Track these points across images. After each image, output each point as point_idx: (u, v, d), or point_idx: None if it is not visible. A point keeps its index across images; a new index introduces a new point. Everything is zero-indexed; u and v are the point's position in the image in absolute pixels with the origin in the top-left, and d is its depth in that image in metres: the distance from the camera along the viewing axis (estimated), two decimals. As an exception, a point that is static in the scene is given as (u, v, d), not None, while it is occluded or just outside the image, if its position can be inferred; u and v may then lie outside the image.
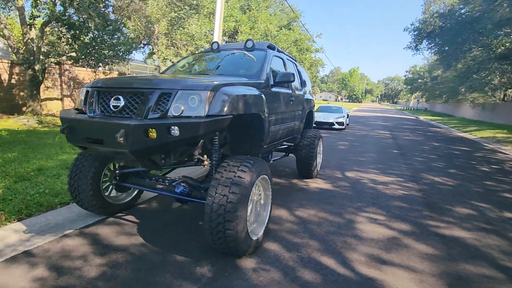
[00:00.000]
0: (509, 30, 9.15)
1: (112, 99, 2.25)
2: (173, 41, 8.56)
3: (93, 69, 9.99)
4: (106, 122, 2.09)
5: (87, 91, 2.47)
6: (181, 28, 8.33)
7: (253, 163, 2.39)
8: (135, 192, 3.39)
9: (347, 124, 15.14)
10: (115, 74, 11.94)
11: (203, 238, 2.74)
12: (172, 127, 1.98)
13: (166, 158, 2.37)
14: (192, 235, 2.81)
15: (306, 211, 3.53)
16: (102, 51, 5.65)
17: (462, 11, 13.51)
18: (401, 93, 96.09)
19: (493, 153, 9.31)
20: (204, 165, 2.69)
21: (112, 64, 7.48)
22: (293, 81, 3.23)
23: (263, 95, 2.84)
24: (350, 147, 8.77)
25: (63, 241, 2.59)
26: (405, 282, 2.22)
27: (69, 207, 3.25)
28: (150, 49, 13.81)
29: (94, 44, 5.55)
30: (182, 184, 2.73)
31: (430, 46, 15.34)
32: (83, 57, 5.93)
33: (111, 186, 3.10)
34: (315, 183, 4.72)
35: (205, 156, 2.69)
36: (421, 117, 29.44)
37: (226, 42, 12.03)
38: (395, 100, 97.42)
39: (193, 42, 8.86)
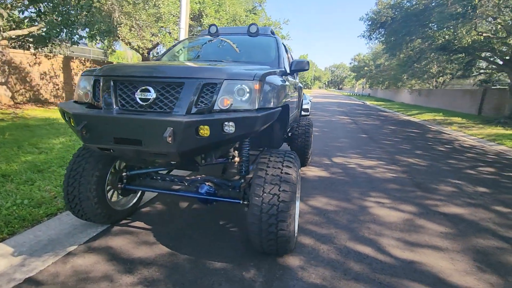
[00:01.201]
0: (453, 22, 10.26)
1: (139, 90, 1.88)
2: (137, 22, 7.58)
3: (34, 52, 8.46)
4: (149, 119, 1.73)
5: (96, 80, 2.04)
6: (146, 8, 7.45)
7: (294, 157, 2.27)
8: (138, 194, 3.00)
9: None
10: (60, 58, 10.33)
11: (231, 240, 2.56)
12: (226, 123, 1.74)
13: (207, 158, 2.11)
14: (217, 237, 2.60)
15: (318, 200, 3.54)
16: (75, 30, 4.68)
17: (408, 4, 14.71)
18: (346, 80, 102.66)
19: (440, 134, 10.54)
20: (235, 162, 2.47)
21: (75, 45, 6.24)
22: (308, 69, 3.12)
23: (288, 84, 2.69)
24: (322, 133, 9.08)
25: (71, 261, 2.18)
26: (440, 261, 2.37)
27: (58, 218, 2.75)
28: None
29: (68, 20, 4.49)
30: (207, 183, 2.48)
31: (382, 35, 16.45)
32: (50, 37, 4.79)
33: (112, 191, 2.68)
34: (311, 171, 4.77)
35: (236, 152, 2.47)
36: (368, 102, 31.92)
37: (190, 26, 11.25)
38: (340, 86, 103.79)
39: (157, 24, 8.01)
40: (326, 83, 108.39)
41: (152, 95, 1.85)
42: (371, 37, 16.45)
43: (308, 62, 3.10)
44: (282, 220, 2.00)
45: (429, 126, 12.86)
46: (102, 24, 5.19)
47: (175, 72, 1.92)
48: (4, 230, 2.40)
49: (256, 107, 1.88)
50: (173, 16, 8.29)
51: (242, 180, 2.49)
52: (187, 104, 1.80)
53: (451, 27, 11.11)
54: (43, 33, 4.49)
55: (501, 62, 13.62)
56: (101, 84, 1.98)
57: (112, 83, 1.94)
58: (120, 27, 7.14)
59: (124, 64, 2.25)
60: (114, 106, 1.89)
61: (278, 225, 2.01)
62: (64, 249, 2.32)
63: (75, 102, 2.18)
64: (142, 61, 13.65)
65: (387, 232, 2.83)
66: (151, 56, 13.93)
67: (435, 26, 12.72)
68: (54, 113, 8.25)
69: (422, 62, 17.34)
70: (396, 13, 13.95)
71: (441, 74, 19.96)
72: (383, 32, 16.73)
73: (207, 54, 3.23)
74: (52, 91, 10.23)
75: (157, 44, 10.14)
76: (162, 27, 8.29)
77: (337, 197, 3.66)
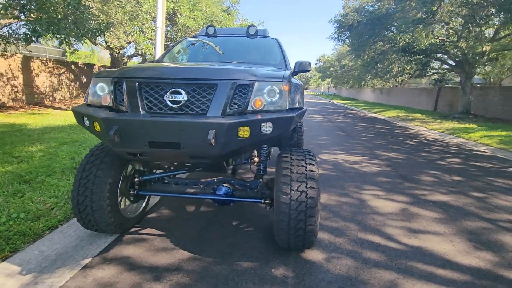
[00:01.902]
0: (415, 27, 11.16)
1: (169, 92, 1.84)
2: (111, 20, 7.09)
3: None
4: (190, 121, 1.69)
5: (116, 83, 1.95)
6: (123, 6, 7.02)
7: (313, 155, 2.36)
8: (145, 200, 2.89)
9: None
10: (19, 58, 9.42)
11: (249, 239, 2.59)
12: (264, 123, 1.77)
13: (237, 159, 2.11)
14: (235, 238, 2.60)
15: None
16: (65, 28, 4.20)
17: (371, 8, 15.68)
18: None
19: (406, 129, 11.40)
20: (254, 162, 2.49)
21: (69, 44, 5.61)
22: (310, 70, 3.24)
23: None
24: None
25: (91, 274, 2.05)
26: (443, 245, 2.62)
27: (61, 231, 2.56)
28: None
29: (54, 18, 3.96)
30: (224, 185, 2.48)
31: (348, 37, 17.31)
32: (38, 35, 4.20)
33: (123, 198, 2.56)
34: (303, 169, 4.91)
35: (255, 152, 2.50)
36: (334, 101, 33.39)
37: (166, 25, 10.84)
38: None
39: (131, 23, 7.62)
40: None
41: (183, 97, 1.82)
42: (340, 39, 17.25)
43: (310, 63, 3.22)
44: (311, 216, 2.08)
45: (394, 123, 13.83)
46: (93, 22, 4.82)
47: (208, 73, 1.91)
48: (5, 248, 2.19)
49: (287, 107, 1.93)
50: (149, 14, 7.97)
51: (261, 180, 2.53)
52: (221, 105, 1.80)
53: (411, 31, 12.05)
54: (29, 31, 4.02)
55: (453, 63, 15.07)
56: (125, 86, 1.89)
57: (137, 85, 1.87)
58: (112, 26, 6.69)
59: (148, 66, 2.17)
60: (141, 110, 1.83)
61: (306, 221, 2.08)
62: (77, 263, 2.17)
63: (89, 105, 2.06)
64: (112, 62, 12.94)
65: (390, 221, 3.04)
66: (125, 58, 13.26)
67: (396, 29, 13.70)
68: (18, 118, 7.52)
69: (385, 63, 18.54)
70: (362, 16, 14.78)
71: (400, 74, 21.51)
72: (348, 34, 17.64)
73: (211, 55, 3.20)
74: (10, 94, 9.29)
75: (128, 43, 9.69)
76: (136, 26, 7.93)
77: (336, 192, 3.83)
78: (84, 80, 12.95)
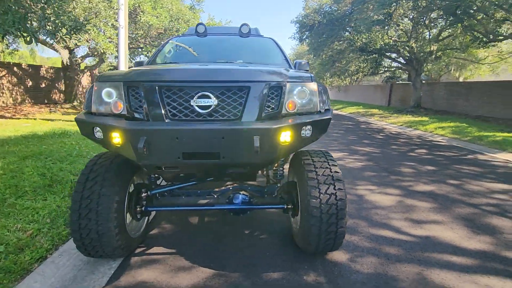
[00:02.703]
0: (375, 28, 11.93)
1: (196, 97, 1.65)
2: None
3: None
4: (232, 128, 1.53)
5: (129, 88, 1.70)
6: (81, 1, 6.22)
7: (331, 156, 2.34)
8: (147, 217, 2.61)
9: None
10: None
11: (267, 248, 2.49)
12: (305, 127, 1.68)
13: (270, 166, 1.98)
14: (252, 248, 2.48)
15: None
16: (29, 24, 3.42)
17: (329, 9, 16.41)
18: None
19: (369, 124, 12.14)
20: (274, 167, 2.39)
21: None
22: (308, 70, 3.22)
23: None
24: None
25: (107, 309, 1.78)
26: (446, 232, 2.79)
27: (52, 262, 2.19)
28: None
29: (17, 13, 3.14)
30: (241, 192, 2.35)
31: (308, 37, 17.91)
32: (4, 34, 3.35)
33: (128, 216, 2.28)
34: (293, 168, 4.92)
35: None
36: (296, 99, 34.38)
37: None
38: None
39: (95, 20, 6.82)
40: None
41: (213, 101, 1.65)
42: (301, 38, 17.76)
43: (308, 63, 3.20)
44: (342, 218, 2.05)
45: (357, 118, 14.66)
46: (66, 18, 4.17)
47: (240, 75, 1.75)
48: (-11, 291, 1.79)
49: (318, 109, 1.87)
50: (112, 11, 7.27)
51: (278, 185, 2.44)
52: (256, 109, 1.67)
53: (370, 31, 12.85)
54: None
55: (404, 61, 16.45)
56: (142, 91, 1.66)
57: (157, 89, 1.65)
58: (88, 23, 5.89)
59: (168, 68, 1.93)
60: (165, 117, 1.62)
61: (338, 223, 2.05)
62: (84, 298, 1.87)
63: (92, 114, 1.77)
64: (63, 63, 11.66)
65: (393, 214, 3.17)
66: (79, 58, 12.02)
67: (354, 30, 14.52)
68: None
69: (342, 62, 19.56)
70: (321, 17, 15.39)
71: (357, 72, 22.87)
72: (308, 34, 18.27)
73: (211, 55, 3.00)
74: None
75: (87, 41, 8.79)
76: (94, 25, 7.18)
77: (333, 190, 3.88)
78: (30, 83, 11.51)
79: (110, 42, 8.83)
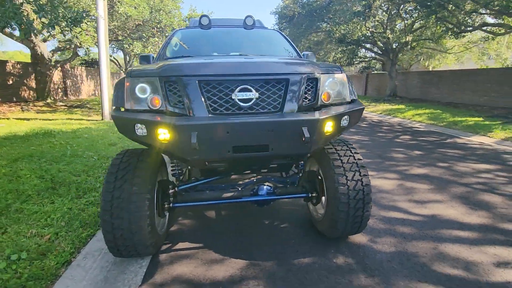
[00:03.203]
0: (354, 19, 12.21)
1: (237, 90, 1.65)
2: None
3: None
4: (283, 120, 1.55)
5: (167, 82, 1.67)
6: None
7: (351, 144, 2.44)
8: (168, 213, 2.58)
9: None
10: None
11: (291, 235, 2.58)
12: (344, 117, 1.75)
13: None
14: (276, 237, 2.55)
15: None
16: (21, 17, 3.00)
17: (308, 1, 16.55)
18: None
19: (351, 113, 12.56)
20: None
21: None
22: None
23: None
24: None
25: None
26: (448, 210, 3.02)
27: (78, 265, 2.13)
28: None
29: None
30: (266, 184, 2.39)
31: (286, 28, 17.99)
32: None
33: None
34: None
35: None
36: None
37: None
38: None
39: (74, 7, 6.33)
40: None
41: (254, 94, 1.66)
42: (281, 29, 17.79)
43: (314, 54, 3.27)
44: (368, 203, 2.17)
45: (338, 108, 15.09)
46: (65, 10, 3.81)
47: (278, 68, 1.77)
48: (23, 299, 1.72)
49: (349, 99, 1.94)
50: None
51: (300, 174, 2.51)
52: (296, 101, 1.71)
53: (352, 22, 13.16)
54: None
55: (380, 52, 17.06)
56: (182, 86, 1.63)
57: (198, 83, 1.64)
58: (88, 14, 5.43)
59: (206, 62, 1.89)
60: (207, 111, 1.62)
61: (365, 208, 2.17)
62: (124, 298, 1.85)
63: (127, 111, 1.72)
64: (32, 58, 10.83)
65: (397, 197, 3.37)
66: (51, 53, 11.20)
67: (332, 21, 14.80)
68: None
69: (321, 53, 19.90)
70: (300, 8, 15.50)
71: (334, 63, 23.39)
72: (286, 25, 18.35)
73: (220, 47, 2.96)
74: None
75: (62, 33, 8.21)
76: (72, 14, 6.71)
77: (337, 177, 4.04)
78: (-5, 81, 10.61)
79: (86, 35, 8.34)
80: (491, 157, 5.19)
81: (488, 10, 9.73)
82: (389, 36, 13.36)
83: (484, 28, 10.04)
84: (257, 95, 1.67)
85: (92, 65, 18.60)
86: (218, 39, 3.15)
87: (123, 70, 21.32)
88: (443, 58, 21.94)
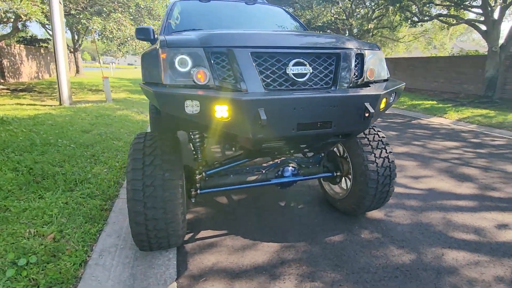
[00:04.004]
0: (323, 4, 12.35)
1: (291, 64, 1.54)
2: None
3: None
4: (345, 96, 1.48)
5: (213, 54, 1.49)
6: None
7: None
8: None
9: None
10: None
11: (311, 216, 2.60)
12: (393, 94, 1.74)
13: None
14: (300, 218, 2.55)
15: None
16: None
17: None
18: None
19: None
20: None
21: None
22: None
23: None
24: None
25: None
26: (440, 183, 3.30)
27: (97, 264, 1.89)
28: None
29: None
30: (290, 165, 2.35)
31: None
32: None
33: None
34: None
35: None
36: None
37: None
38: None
39: None
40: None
41: (308, 69, 1.57)
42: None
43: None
44: (393, 178, 2.26)
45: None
46: None
47: (330, 42, 1.68)
48: (49, 308, 1.47)
49: (387, 76, 1.95)
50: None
51: (322, 154, 2.50)
52: (347, 76, 1.66)
53: (323, 6, 13.31)
54: None
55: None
56: (232, 58, 1.47)
57: (250, 55, 1.49)
58: None
59: (256, 33, 1.70)
60: (262, 86, 1.49)
61: (391, 183, 2.25)
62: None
63: (164, 86, 1.50)
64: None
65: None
66: None
67: (299, 5, 14.84)
68: None
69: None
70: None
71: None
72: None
73: (227, 23, 2.74)
74: None
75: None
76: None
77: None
78: None
79: (33, 5, 7.18)
80: (453, 136, 5.79)
81: (440, 1, 10.60)
82: (353, 22, 13.88)
83: (441, 18, 10.96)
84: (310, 69, 1.58)
85: (32, 43, 16.18)
86: (222, 13, 2.92)
87: (71, 50, 18.95)
88: (395, 46, 23.56)
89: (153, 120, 3.61)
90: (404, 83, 1.97)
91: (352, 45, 1.73)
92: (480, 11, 9.39)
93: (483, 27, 9.50)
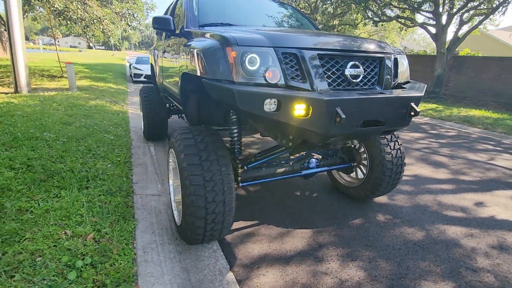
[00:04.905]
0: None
1: (349, 66, 1.69)
2: None
3: None
4: (397, 97, 1.68)
5: (285, 54, 1.58)
6: None
7: None
8: None
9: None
10: None
11: (326, 201, 2.84)
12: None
13: None
14: (317, 204, 2.78)
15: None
16: None
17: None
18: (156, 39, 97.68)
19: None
20: None
21: None
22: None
23: None
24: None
25: (260, 285, 1.78)
26: (422, 170, 3.80)
27: (145, 260, 1.88)
28: None
29: None
30: (314, 157, 2.54)
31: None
32: None
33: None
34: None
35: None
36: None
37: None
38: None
39: None
40: (137, 44, 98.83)
41: (361, 71, 1.75)
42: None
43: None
44: (403, 166, 2.58)
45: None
46: None
47: (376, 47, 1.86)
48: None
49: (409, 79, 2.21)
50: None
51: (339, 147, 2.73)
52: (389, 79, 1.87)
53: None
54: None
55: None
56: (301, 59, 1.57)
57: (317, 57, 1.61)
58: None
59: (323, 35, 1.77)
60: (327, 86, 1.63)
61: (401, 172, 2.57)
62: (228, 286, 1.77)
63: (234, 83, 1.54)
64: None
65: (381, 163, 4.00)
66: None
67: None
68: None
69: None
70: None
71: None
72: None
73: (245, 17, 2.75)
74: None
75: None
76: None
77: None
78: None
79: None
80: (416, 128, 6.56)
81: (398, 4, 11.60)
82: (318, 17, 14.43)
83: (400, 20, 12.02)
84: (362, 71, 1.76)
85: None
86: (241, 6, 2.93)
87: (3, 27, 16.31)
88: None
89: (150, 113, 3.67)
90: (425, 84, 2.26)
91: (391, 50, 1.95)
92: (431, 15, 10.52)
93: (433, 30, 10.68)
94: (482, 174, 3.74)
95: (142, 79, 11.92)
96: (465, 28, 10.62)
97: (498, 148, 5.15)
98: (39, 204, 2.13)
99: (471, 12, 10.20)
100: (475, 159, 4.36)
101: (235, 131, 2.15)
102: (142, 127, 4.66)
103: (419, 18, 12.84)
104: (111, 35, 12.85)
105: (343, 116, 1.44)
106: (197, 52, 1.83)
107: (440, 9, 10.19)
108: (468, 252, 2.15)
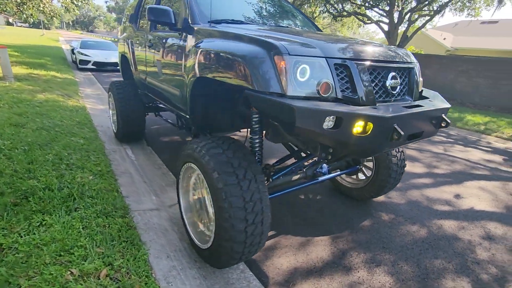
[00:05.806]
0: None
1: (390, 77, 1.66)
2: None
3: None
4: (434, 109, 1.68)
5: (338, 65, 1.47)
6: None
7: None
8: None
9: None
10: None
11: (333, 204, 2.89)
12: None
13: None
14: (325, 208, 2.80)
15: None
16: None
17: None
18: (96, 20, 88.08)
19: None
20: None
21: None
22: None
23: None
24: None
25: (301, 304, 1.71)
26: (412, 168, 4.08)
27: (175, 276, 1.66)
28: None
29: None
30: (325, 163, 2.53)
31: None
32: None
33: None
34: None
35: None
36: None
37: None
38: (91, 28, 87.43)
39: None
40: (70, 23, 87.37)
41: (399, 82, 1.73)
42: None
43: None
44: (404, 167, 2.72)
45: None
46: None
47: (406, 57, 1.86)
48: None
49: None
50: None
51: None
52: (417, 89, 1.90)
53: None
54: None
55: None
56: (353, 70, 1.49)
57: (367, 69, 1.54)
58: None
59: (369, 46, 1.64)
60: (375, 98, 1.58)
61: (403, 173, 2.71)
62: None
63: (285, 96, 1.39)
64: None
65: (365, 159, 4.20)
66: None
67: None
68: None
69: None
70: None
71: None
72: None
73: (252, 14, 2.53)
74: None
75: None
76: None
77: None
78: None
79: None
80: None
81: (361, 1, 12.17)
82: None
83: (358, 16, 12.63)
84: (399, 82, 1.75)
85: None
86: (247, 3, 2.69)
87: None
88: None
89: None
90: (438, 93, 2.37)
91: (415, 59, 1.97)
92: (385, 14, 11.28)
93: (386, 28, 11.49)
94: (450, 167, 4.18)
95: (90, 66, 10.61)
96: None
97: (450, 140, 5.82)
98: (22, 237, 1.72)
99: (419, 13, 11.20)
100: (439, 152, 4.85)
101: (257, 140, 1.99)
102: (113, 127, 4.14)
103: (373, 15, 13.67)
104: (54, 15, 11.08)
105: (402, 133, 1.41)
106: (228, 57, 1.61)
107: (395, 9, 10.97)
108: (467, 245, 2.37)
